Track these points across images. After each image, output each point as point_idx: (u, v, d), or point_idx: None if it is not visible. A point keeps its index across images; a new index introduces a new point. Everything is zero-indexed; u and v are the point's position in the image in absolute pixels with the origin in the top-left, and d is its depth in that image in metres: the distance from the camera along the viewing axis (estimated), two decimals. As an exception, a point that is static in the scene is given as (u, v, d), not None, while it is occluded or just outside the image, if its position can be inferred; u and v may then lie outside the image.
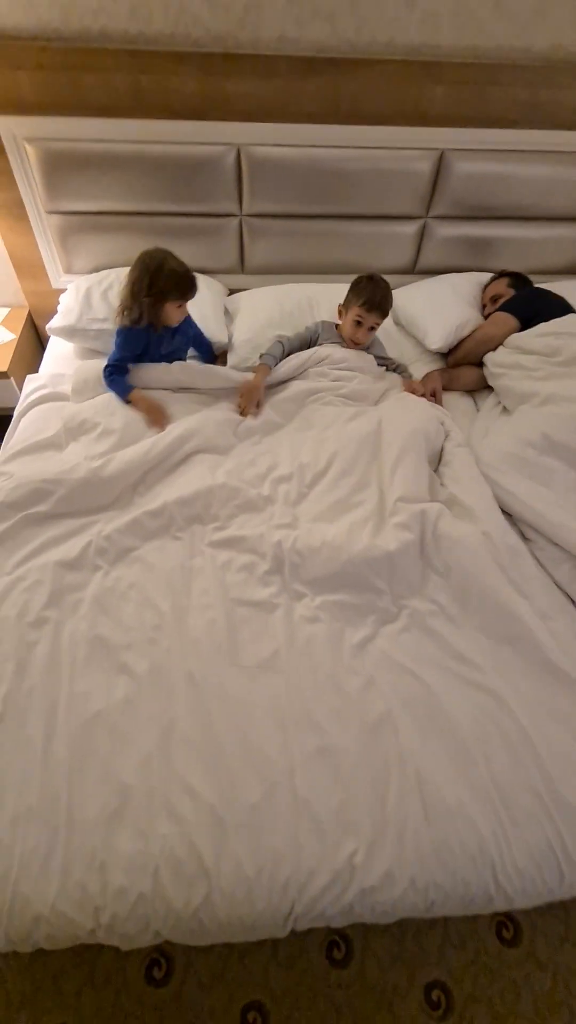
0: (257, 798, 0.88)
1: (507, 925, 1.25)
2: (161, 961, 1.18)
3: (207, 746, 0.93)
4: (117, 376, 1.54)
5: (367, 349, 1.74)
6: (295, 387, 1.61)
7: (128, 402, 1.51)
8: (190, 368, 1.60)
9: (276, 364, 1.65)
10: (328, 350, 1.67)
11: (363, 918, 0.86)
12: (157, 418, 1.49)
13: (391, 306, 1.67)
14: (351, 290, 1.66)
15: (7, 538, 1.20)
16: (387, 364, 1.80)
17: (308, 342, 1.74)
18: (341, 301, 1.71)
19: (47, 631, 1.07)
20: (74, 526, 1.26)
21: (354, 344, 1.69)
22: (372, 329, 1.66)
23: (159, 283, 1.43)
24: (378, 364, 1.75)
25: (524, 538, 1.32)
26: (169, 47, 1.46)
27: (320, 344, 1.72)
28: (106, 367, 1.53)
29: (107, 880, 0.81)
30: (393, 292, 1.96)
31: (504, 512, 1.33)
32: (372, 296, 1.61)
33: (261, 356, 1.66)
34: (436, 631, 1.10)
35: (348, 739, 0.95)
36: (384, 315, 1.66)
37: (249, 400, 1.55)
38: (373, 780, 0.91)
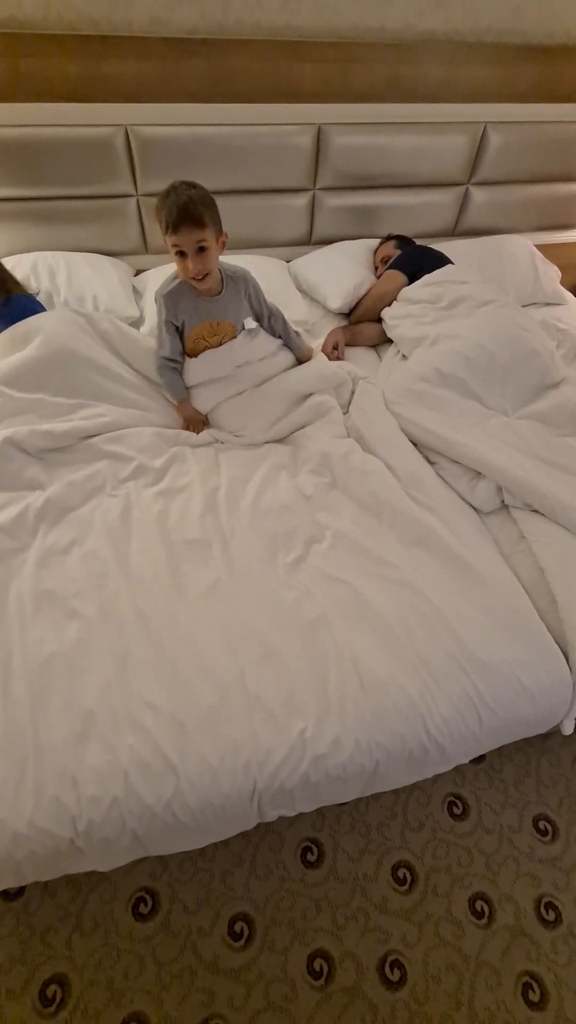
0: (213, 701, 0.97)
1: (457, 803, 1.41)
2: (146, 898, 1.24)
3: (162, 667, 1.01)
4: None
5: (224, 294, 1.42)
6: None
7: None
8: None
9: (183, 387, 1.52)
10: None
11: (320, 787, 0.96)
12: None
13: (209, 207, 1.24)
14: (155, 217, 1.26)
15: None
16: (273, 328, 1.57)
17: (177, 330, 1.46)
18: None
19: (-8, 592, 1.10)
20: (6, 498, 1.28)
21: (200, 283, 1.33)
22: (202, 251, 1.26)
23: None
24: (253, 319, 1.56)
25: (430, 461, 1.48)
26: (43, 30, 1.50)
27: (182, 320, 1.43)
28: None
29: (80, 791, 0.87)
30: (293, 262, 2.11)
31: (412, 441, 1.50)
32: (171, 211, 1.20)
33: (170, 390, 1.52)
34: (358, 545, 1.23)
35: (289, 641, 1.05)
36: (199, 223, 1.22)
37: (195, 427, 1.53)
38: (314, 670, 1.02)
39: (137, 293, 1.89)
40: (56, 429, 1.35)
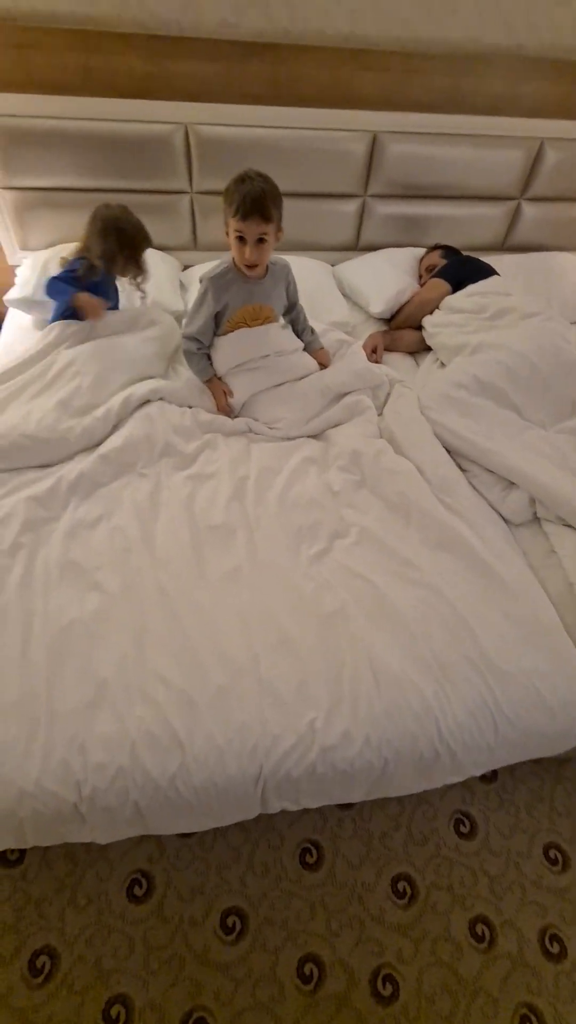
0: (225, 682, 0.96)
1: (464, 821, 1.36)
2: (142, 880, 1.23)
3: (178, 645, 1.01)
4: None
5: (268, 279, 1.47)
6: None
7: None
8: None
9: (210, 367, 1.55)
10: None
11: (326, 781, 0.95)
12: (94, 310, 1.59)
13: (277, 203, 1.31)
14: (223, 198, 1.32)
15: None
16: (296, 320, 1.63)
17: (212, 315, 1.49)
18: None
19: (21, 557, 1.12)
20: (42, 472, 1.32)
21: (250, 270, 1.39)
22: (261, 242, 1.33)
23: (137, 236, 1.57)
24: (286, 319, 1.61)
25: (462, 469, 1.46)
26: (116, 28, 1.56)
27: (224, 303, 1.46)
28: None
29: (87, 758, 0.88)
30: (338, 265, 2.12)
31: (445, 447, 1.48)
32: (244, 198, 1.24)
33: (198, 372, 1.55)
34: (382, 543, 1.22)
35: (306, 630, 1.05)
36: (267, 219, 1.29)
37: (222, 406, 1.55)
38: (329, 661, 1.00)
39: (183, 288, 1.93)
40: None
